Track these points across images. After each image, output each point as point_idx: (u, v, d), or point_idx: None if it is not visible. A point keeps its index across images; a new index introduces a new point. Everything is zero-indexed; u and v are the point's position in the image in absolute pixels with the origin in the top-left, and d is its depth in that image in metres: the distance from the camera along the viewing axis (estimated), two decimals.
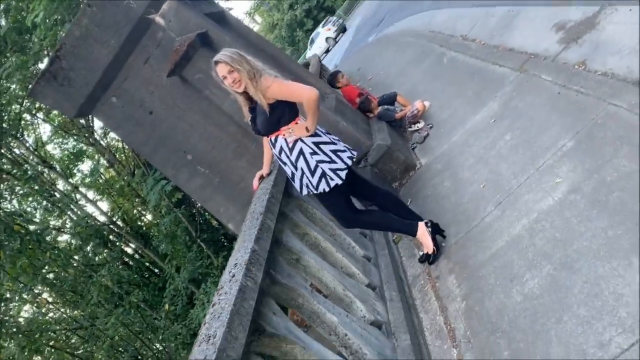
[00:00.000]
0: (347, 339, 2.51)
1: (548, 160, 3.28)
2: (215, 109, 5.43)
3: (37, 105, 12.40)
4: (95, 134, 13.80)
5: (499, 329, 2.58)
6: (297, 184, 3.30)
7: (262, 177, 3.59)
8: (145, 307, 13.68)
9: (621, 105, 3.09)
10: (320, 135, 3.20)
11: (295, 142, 3.14)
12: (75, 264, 13.76)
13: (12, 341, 12.79)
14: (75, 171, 16.23)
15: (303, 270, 2.98)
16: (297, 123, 3.14)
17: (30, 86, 7.73)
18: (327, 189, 3.18)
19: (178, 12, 5.23)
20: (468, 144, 4.50)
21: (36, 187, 12.75)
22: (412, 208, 3.74)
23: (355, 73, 12.60)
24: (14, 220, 11.74)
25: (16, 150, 13.21)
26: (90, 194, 16.38)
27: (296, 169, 3.19)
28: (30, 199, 14.59)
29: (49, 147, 15.56)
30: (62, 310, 15.14)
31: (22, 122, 12.93)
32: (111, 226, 14.59)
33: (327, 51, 29.23)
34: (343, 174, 3.18)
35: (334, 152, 3.19)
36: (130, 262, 15.32)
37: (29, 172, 12.36)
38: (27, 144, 13.55)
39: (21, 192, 13.78)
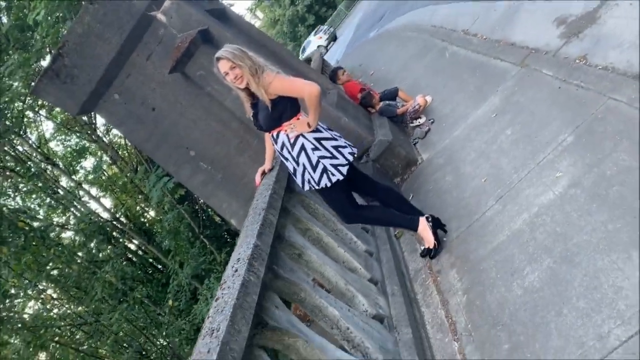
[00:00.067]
0: (349, 333, 2.53)
1: (549, 155, 3.29)
2: (217, 106, 5.45)
3: (39, 103, 12.45)
4: (98, 130, 13.86)
5: (499, 322, 2.60)
6: (299, 180, 3.32)
7: (264, 173, 3.60)
8: (149, 302, 13.75)
9: (621, 100, 3.09)
10: (321, 131, 3.22)
11: (297, 137, 3.16)
12: (79, 260, 13.84)
13: (18, 337, 12.88)
14: (78, 168, 16.31)
15: (305, 265, 3.01)
16: (298, 119, 3.16)
17: (32, 84, 7.77)
18: (328, 184, 3.21)
19: (179, 8, 5.25)
20: (469, 138, 4.51)
21: (40, 184, 12.83)
22: (414, 203, 3.76)
23: (357, 68, 12.60)
24: (18, 217, 11.80)
25: (19, 148, 13.28)
26: (93, 191, 16.47)
27: (298, 164, 3.21)
28: (34, 196, 14.68)
29: (52, 144, 15.65)
30: (66, 306, 15.24)
31: (25, 119, 12.99)
32: (114, 223, 14.66)
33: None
34: (344, 169, 3.20)
35: (335, 147, 3.21)
36: (134, 259, 15.40)
37: (33, 169, 12.44)
38: (30, 142, 13.62)
39: (25, 189, 13.86)
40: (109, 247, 14.49)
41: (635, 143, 2.72)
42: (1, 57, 10.93)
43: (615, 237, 2.40)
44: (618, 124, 2.96)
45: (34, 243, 11.74)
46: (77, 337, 14.94)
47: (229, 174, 5.75)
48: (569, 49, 4.11)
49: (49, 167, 13.70)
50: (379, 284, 3.33)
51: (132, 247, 15.76)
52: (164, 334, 13.67)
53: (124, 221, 15.22)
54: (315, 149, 3.15)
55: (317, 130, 3.19)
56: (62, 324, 14.34)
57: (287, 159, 3.27)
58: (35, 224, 12.69)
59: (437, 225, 3.45)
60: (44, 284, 13.89)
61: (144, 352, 14.34)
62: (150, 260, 15.56)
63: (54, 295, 15.00)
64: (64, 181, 14.77)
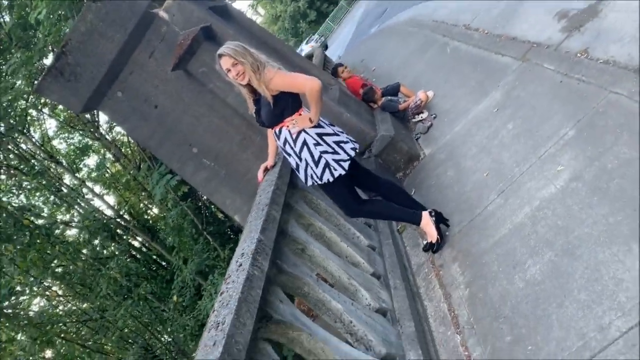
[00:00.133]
0: (353, 326, 2.56)
1: (550, 149, 3.31)
2: (220, 102, 5.47)
3: (42, 101, 12.48)
4: (101, 128, 13.88)
5: (501, 315, 2.63)
6: (301, 175, 3.34)
7: (266, 169, 3.63)
8: (153, 299, 13.81)
9: (622, 93, 3.10)
10: (323, 127, 3.24)
11: (299, 133, 3.18)
12: (83, 257, 13.89)
13: (24, 333, 12.97)
14: (81, 166, 16.34)
15: (308, 259, 3.04)
16: (300, 114, 3.18)
17: (35, 82, 7.80)
18: (331, 179, 3.23)
19: (181, 6, 5.27)
20: (471, 133, 4.52)
21: (43, 182, 12.87)
22: (416, 198, 3.78)
23: (358, 64, 12.60)
24: (23, 215, 11.87)
25: (23, 146, 13.32)
26: (97, 188, 16.50)
27: (300, 160, 3.24)
28: (38, 193, 14.72)
29: (55, 142, 15.68)
30: (72, 302, 15.32)
31: (28, 117, 13.03)
32: (118, 220, 14.70)
33: None
34: (346, 164, 3.23)
35: (337, 143, 3.23)
36: (138, 255, 15.45)
37: (36, 167, 12.48)
38: (34, 140, 13.66)
39: (29, 187, 13.91)
40: (113, 244, 14.55)
41: (635, 136, 2.74)
42: (4, 55, 10.97)
43: (616, 229, 2.42)
44: (619, 118, 2.97)
45: (39, 240, 11.80)
46: (83, 333, 15.02)
47: (232, 171, 5.78)
48: (570, 43, 4.11)
49: (53, 165, 13.74)
50: (382, 278, 3.36)
51: (136, 244, 15.80)
52: (168, 329, 13.73)
53: (128, 218, 15.26)
54: (317, 144, 3.18)
55: (319, 126, 3.21)
56: (68, 320, 14.43)
57: (289, 155, 3.29)
58: (40, 222, 12.75)
59: (440, 219, 3.47)
60: (50, 280, 13.95)
61: (148, 348, 14.40)
62: (154, 256, 15.61)
63: (60, 292, 15.08)
64: (67, 179, 14.81)
